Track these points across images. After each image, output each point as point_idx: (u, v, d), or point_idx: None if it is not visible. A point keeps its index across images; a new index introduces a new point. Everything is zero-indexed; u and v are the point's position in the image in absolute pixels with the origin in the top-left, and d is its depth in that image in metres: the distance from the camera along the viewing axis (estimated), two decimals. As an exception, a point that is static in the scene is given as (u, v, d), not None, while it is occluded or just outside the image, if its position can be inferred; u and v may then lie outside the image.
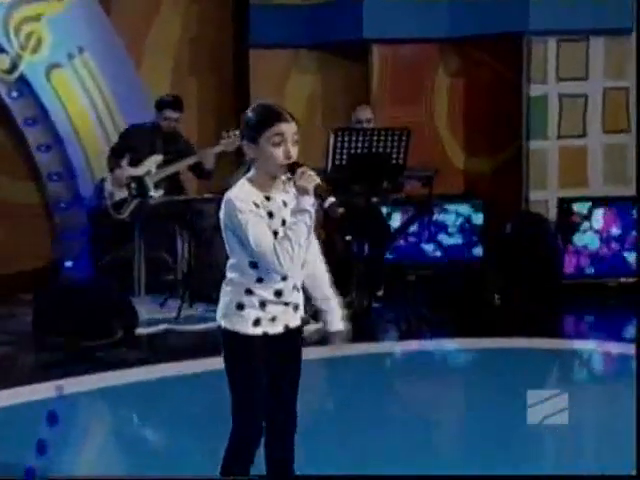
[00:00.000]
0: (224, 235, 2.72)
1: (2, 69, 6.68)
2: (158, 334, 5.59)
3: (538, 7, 6.74)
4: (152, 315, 5.83)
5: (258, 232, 2.61)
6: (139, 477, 3.47)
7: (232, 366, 2.71)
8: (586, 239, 6.60)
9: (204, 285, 6.07)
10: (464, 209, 6.94)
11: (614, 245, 6.64)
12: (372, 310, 5.89)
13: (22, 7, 6.72)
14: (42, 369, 4.96)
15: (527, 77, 6.93)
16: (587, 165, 7.01)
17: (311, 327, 5.08)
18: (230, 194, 2.66)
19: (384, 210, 6.39)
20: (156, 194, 6.12)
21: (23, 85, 6.73)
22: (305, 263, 2.73)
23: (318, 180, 2.61)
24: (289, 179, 2.70)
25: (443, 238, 6.88)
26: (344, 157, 5.55)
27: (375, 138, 5.58)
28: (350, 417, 4.15)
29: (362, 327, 5.62)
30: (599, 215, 6.60)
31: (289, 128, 2.64)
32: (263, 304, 2.69)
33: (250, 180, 2.70)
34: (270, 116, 2.65)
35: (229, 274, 2.73)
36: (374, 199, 5.66)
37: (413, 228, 6.67)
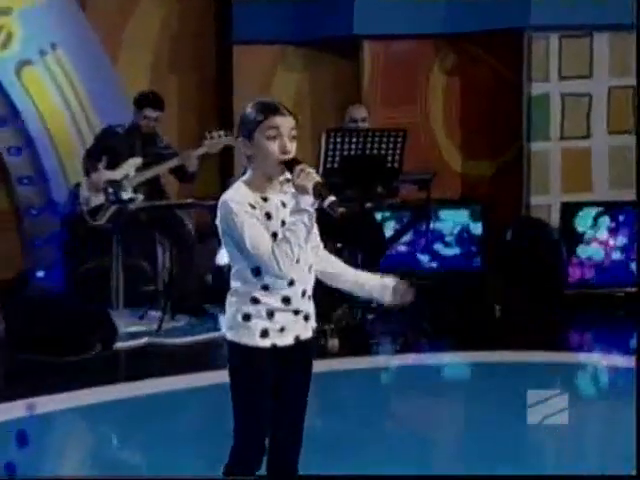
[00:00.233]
0: (222, 241, 2.71)
1: (-31, 66, 6.65)
2: (138, 348, 5.57)
3: (539, 1, 6.77)
4: (131, 328, 5.80)
5: (255, 234, 2.60)
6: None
7: (237, 380, 2.70)
8: (590, 251, 6.60)
9: (186, 296, 6.06)
10: (462, 217, 6.92)
11: (620, 253, 6.65)
12: (365, 322, 5.88)
13: (-9, 0, 6.69)
14: (11, 386, 4.92)
15: (528, 75, 6.94)
16: (591, 168, 7.03)
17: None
18: (225, 196, 2.66)
19: (378, 216, 6.37)
20: (135, 199, 6.09)
21: (-9, 83, 6.70)
22: (312, 266, 2.72)
23: (318, 178, 2.61)
24: (288, 180, 2.70)
25: (440, 248, 6.87)
26: (336, 159, 5.54)
27: (369, 139, 5.57)
28: (343, 435, 4.13)
29: (355, 340, 5.63)
30: (605, 223, 6.61)
31: (285, 122, 2.65)
32: (271, 313, 2.68)
33: (246, 182, 2.70)
34: (265, 109, 2.66)
35: (233, 283, 2.72)
36: (368, 204, 5.65)
37: (408, 236, 6.65)
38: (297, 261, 2.65)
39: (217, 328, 5.80)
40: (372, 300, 6.17)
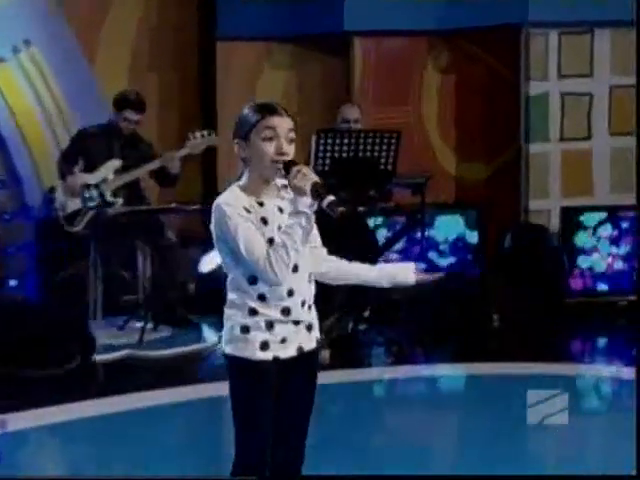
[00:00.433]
0: (217, 248, 2.70)
1: (-63, 63, 6.61)
2: (118, 361, 5.55)
3: (537, -4, 6.81)
4: (111, 340, 5.79)
5: (249, 238, 2.60)
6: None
7: (238, 396, 2.69)
8: (592, 258, 6.61)
9: (169, 305, 6.04)
10: (457, 224, 6.91)
11: (623, 260, 6.67)
12: (357, 333, 5.88)
13: (-39, -6, 6.65)
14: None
15: (525, 74, 6.96)
16: (592, 171, 7.05)
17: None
18: (218, 200, 2.66)
19: (371, 221, 6.37)
20: (114, 204, 6.06)
21: (-40, 81, 6.67)
22: (312, 275, 2.72)
23: (316, 178, 2.61)
24: (285, 186, 2.70)
25: (434, 257, 6.87)
26: (327, 162, 5.54)
27: (362, 141, 5.58)
28: (335, 452, 4.11)
29: (347, 352, 5.63)
30: (607, 228, 6.63)
31: (282, 122, 2.66)
32: (270, 325, 2.67)
33: (241, 186, 2.70)
34: (261, 110, 2.67)
35: (229, 295, 2.71)
36: (360, 209, 5.65)
37: (401, 244, 6.64)
38: (296, 270, 2.65)
39: (202, 339, 5.79)
40: (365, 309, 6.21)
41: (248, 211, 2.64)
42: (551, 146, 7.01)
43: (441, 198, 7.04)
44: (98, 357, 5.49)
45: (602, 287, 6.66)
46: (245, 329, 2.67)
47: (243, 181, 2.70)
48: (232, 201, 2.63)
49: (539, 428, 4.45)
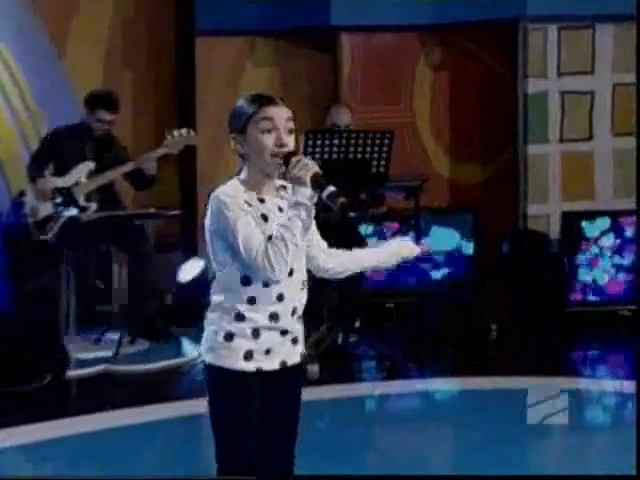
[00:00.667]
0: (208, 243, 2.68)
1: None
2: (93, 377, 5.54)
3: (536, -11, 6.85)
4: (85, 354, 5.78)
5: (248, 234, 2.59)
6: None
7: (219, 408, 2.68)
8: (595, 274, 6.64)
9: (147, 317, 6.02)
10: (451, 237, 6.91)
11: (626, 267, 6.70)
12: (348, 345, 5.88)
13: None
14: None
15: (523, 71, 7.00)
16: (594, 174, 7.09)
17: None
18: (217, 191, 2.65)
19: (362, 229, 6.37)
20: (88, 209, 6.05)
21: None
22: (305, 282, 2.72)
23: (316, 168, 2.62)
24: (283, 187, 2.71)
25: (426, 267, 6.88)
26: (316, 164, 5.52)
27: (352, 142, 5.60)
28: (326, 471, 4.10)
29: (338, 365, 5.63)
30: (609, 240, 6.65)
31: (280, 112, 2.66)
32: (256, 332, 2.67)
33: (241, 180, 2.70)
34: (257, 100, 2.68)
35: (215, 297, 2.70)
36: (351, 214, 5.65)
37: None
38: (290, 274, 2.66)
39: (182, 353, 5.77)
40: (355, 319, 6.20)
41: (249, 205, 2.64)
42: (550, 147, 7.05)
43: (435, 202, 7.06)
44: (72, 373, 5.47)
45: (603, 296, 6.69)
46: (229, 336, 2.66)
47: (243, 175, 2.70)
48: (233, 193, 2.63)
49: (538, 445, 4.49)
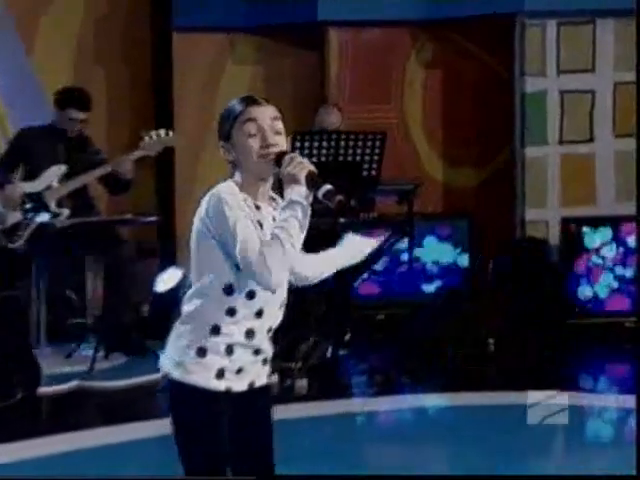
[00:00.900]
0: (194, 243, 2.66)
1: None
2: (66, 394, 5.52)
3: (534, -17, 6.89)
4: (57, 369, 5.77)
5: (246, 237, 2.58)
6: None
7: (188, 430, 2.65)
8: (597, 285, 6.66)
9: (123, 330, 6.01)
10: (446, 251, 6.91)
11: (629, 276, 6.73)
12: (337, 359, 5.88)
13: None
14: None
15: (521, 69, 7.03)
16: (595, 177, 7.11)
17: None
18: (217, 188, 2.63)
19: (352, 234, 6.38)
20: (60, 215, 6.04)
21: None
22: (284, 302, 2.72)
23: (311, 167, 2.62)
24: (273, 199, 2.72)
25: (420, 280, 6.89)
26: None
27: (342, 144, 5.62)
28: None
29: (327, 380, 5.62)
30: (611, 250, 6.67)
31: (264, 112, 2.67)
32: (230, 349, 2.65)
33: (237, 183, 2.69)
34: (240, 103, 2.69)
35: (188, 307, 2.68)
36: (340, 219, 5.67)
37: (382, 262, 6.63)
38: (273, 292, 2.65)
39: (159, 369, 5.74)
40: (345, 331, 6.20)
41: (248, 207, 2.64)
42: (549, 149, 7.07)
43: (428, 207, 7.08)
44: (43, 389, 5.46)
45: (605, 307, 6.72)
46: (201, 352, 2.64)
47: (237, 179, 2.69)
48: (232, 191, 2.62)
49: (538, 463, 4.50)
